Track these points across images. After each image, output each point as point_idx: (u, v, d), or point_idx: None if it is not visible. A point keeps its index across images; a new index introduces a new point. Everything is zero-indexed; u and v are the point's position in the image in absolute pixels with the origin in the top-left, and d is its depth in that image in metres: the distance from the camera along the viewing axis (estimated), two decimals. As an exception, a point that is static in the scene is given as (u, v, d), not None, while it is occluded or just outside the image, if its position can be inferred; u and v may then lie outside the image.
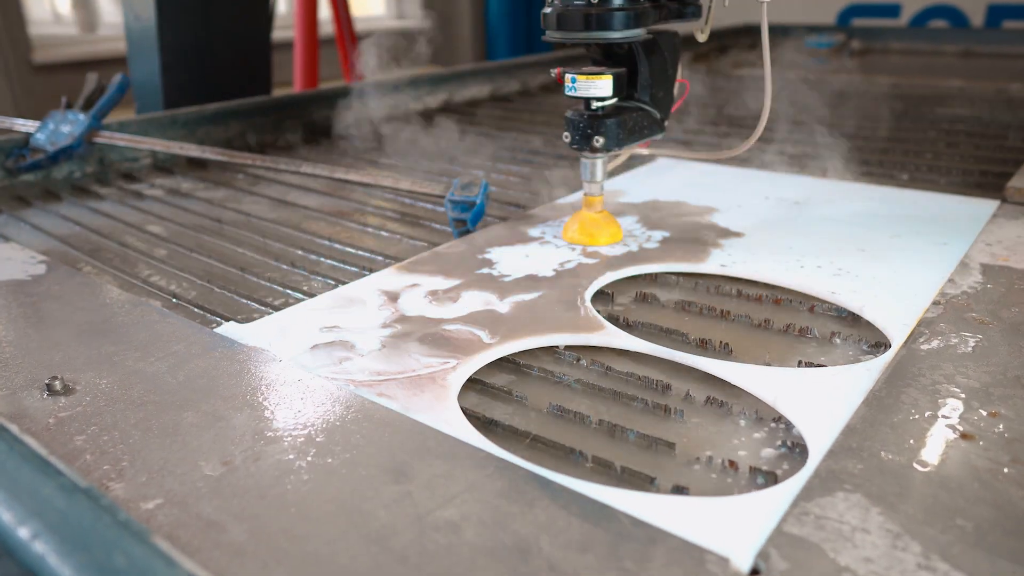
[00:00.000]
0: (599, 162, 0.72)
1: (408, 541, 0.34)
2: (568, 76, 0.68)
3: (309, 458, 0.40)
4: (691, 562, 0.33)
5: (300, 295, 0.67)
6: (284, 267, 0.75)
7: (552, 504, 0.37)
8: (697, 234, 0.76)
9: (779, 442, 0.45)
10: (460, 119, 1.47)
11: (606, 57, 0.72)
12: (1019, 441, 0.41)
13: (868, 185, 0.91)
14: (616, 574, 0.32)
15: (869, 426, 0.43)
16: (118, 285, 0.71)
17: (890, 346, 0.53)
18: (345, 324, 0.58)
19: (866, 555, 0.33)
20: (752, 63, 2.16)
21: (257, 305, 0.66)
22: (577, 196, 0.89)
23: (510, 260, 0.70)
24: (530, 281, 0.65)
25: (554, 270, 0.67)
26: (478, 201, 0.78)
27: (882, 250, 0.70)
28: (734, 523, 0.36)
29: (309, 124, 1.36)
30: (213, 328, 0.57)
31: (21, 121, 1.12)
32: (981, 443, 0.41)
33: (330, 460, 0.40)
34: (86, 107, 1.09)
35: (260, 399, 0.46)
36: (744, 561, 0.33)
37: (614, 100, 0.69)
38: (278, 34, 2.74)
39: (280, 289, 0.70)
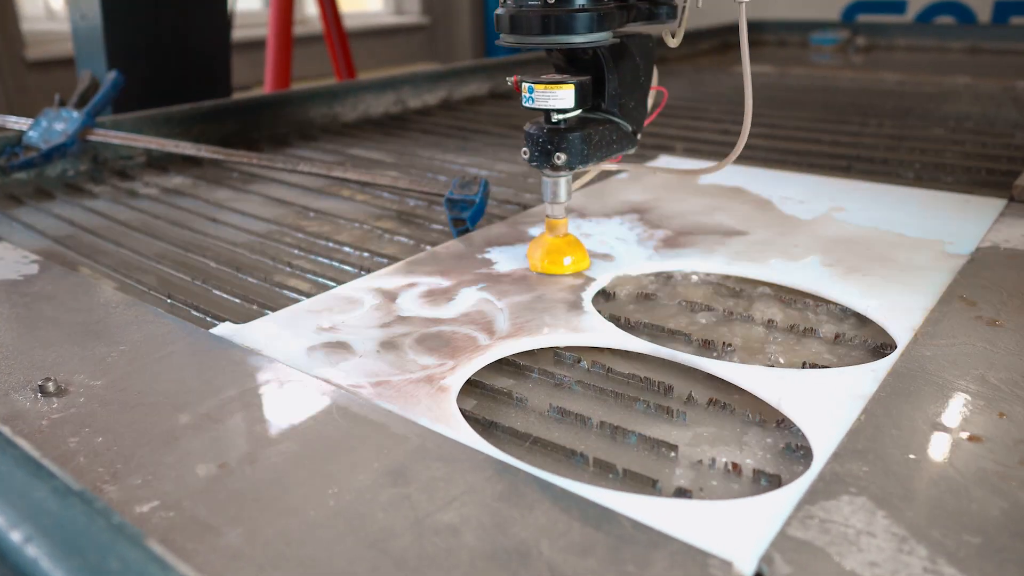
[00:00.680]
0: (562, 181, 0.65)
1: (407, 544, 0.34)
2: (525, 85, 0.61)
3: (306, 461, 0.40)
4: (694, 566, 0.33)
5: (296, 295, 0.67)
6: (280, 267, 0.75)
7: (553, 507, 0.37)
8: (700, 232, 0.75)
9: (783, 444, 0.45)
10: (459, 117, 1.47)
11: (570, 64, 0.66)
12: (1027, 443, 0.41)
13: (873, 183, 0.91)
14: (618, 578, 0.32)
15: (874, 428, 0.43)
16: (112, 285, 0.71)
17: (896, 347, 0.53)
18: (342, 325, 0.58)
19: (871, 559, 0.33)
20: (757, 60, 2.16)
21: (253, 305, 0.66)
22: (579, 195, 0.89)
23: (510, 260, 0.70)
24: (530, 281, 0.65)
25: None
26: (477, 200, 0.78)
27: (887, 249, 0.70)
28: (737, 527, 0.36)
29: (306, 122, 1.36)
30: (208, 329, 0.57)
31: (14, 119, 1.12)
32: (989, 445, 0.41)
33: (327, 463, 0.40)
34: (80, 104, 1.09)
35: (256, 401, 0.46)
36: (747, 565, 0.33)
37: (578, 112, 0.63)
38: (258, 32, 2.72)
39: (276, 289, 0.70)
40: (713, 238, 0.74)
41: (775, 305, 0.63)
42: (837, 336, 0.57)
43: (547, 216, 0.67)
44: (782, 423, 0.46)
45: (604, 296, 0.65)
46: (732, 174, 0.96)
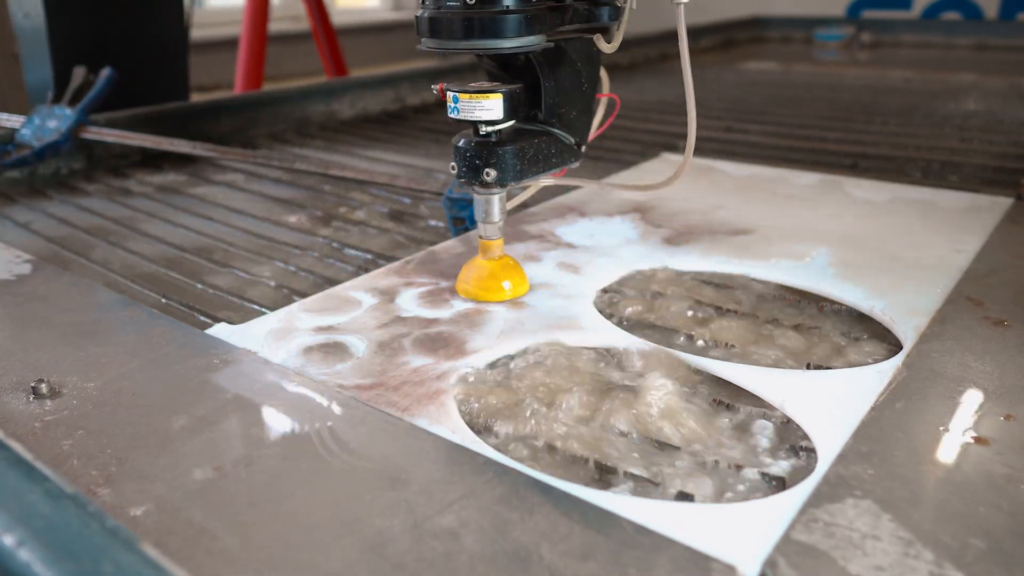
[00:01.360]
0: (495, 199, 0.60)
1: (405, 548, 0.34)
2: (450, 94, 0.56)
3: (303, 463, 0.40)
4: (696, 570, 0.33)
5: (293, 295, 0.67)
6: (276, 266, 0.75)
7: (553, 510, 0.37)
8: (703, 231, 0.75)
9: (787, 446, 0.45)
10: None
11: (503, 70, 0.61)
12: (1034, 445, 0.41)
13: (879, 182, 0.91)
14: (619, 583, 0.32)
15: (880, 430, 0.43)
16: (106, 285, 0.71)
17: (902, 347, 0.53)
18: (339, 325, 0.58)
19: (877, 563, 0.33)
20: (760, 56, 2.17)
21: (249, 305, 0.66)
22: (579, 194, 0.89)
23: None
24: (530, 281, 0.65)
25: (555, 270, 0.67)
26: (477, 198, 0.78)
27: (893, 249, 0.70)
28: (741, 530, 0.36)
29: (303, 119, 1.36)
30: (204, 330, 0.57)
31: (6, 116, 1.12)
32: (996, 447, 0.41)
33: (324, 465, 0.40)
34: (73, 102, 1.09)
35: (252, 402, 0.46)
36: (751, 569, 0.33)
37: (510, 123, 0.57)
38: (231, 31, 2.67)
39: (272, 289, 0.70)
40: (716, 237, 0.74)
41: (779, 305, 0.63)
42: (842, 336, 0.57)
43: (480, 237, 0.62)
44: (786, 425, 0.46)
45: (605, 296, 0.65)
46: (737, 172, 0.96)
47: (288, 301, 0.65)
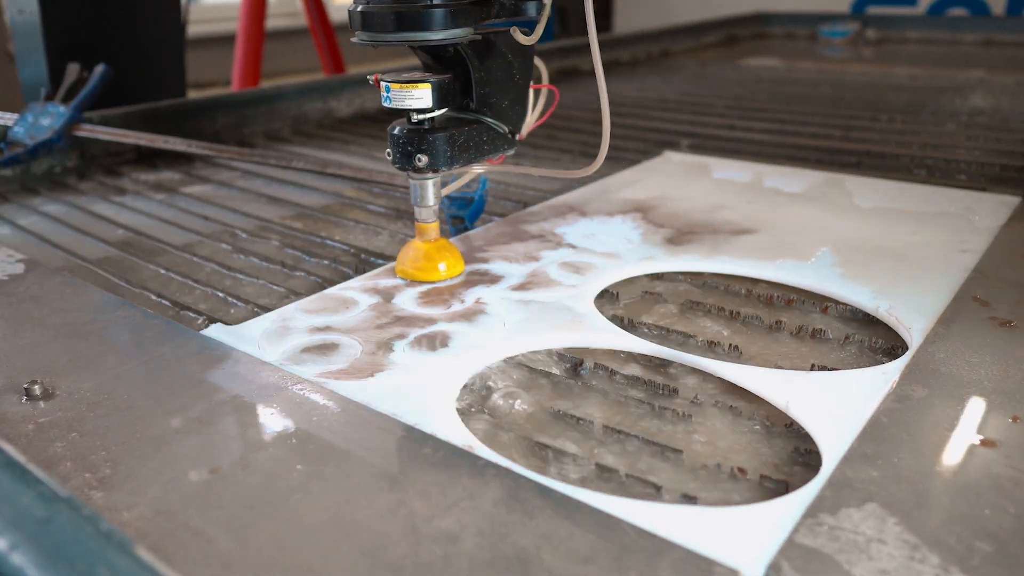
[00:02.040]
0: (429, 184, 0.64)
1: (403, 552, 0.34)
2: (383, 83, 0.60)
3: (300, 465, 0.40)
4: (699, 574, 0.33)
5: (290, 295, 0.67)
6: (273, 266, 0.75)
7: (554, 514, 0.37)
8: (705, 231, 0.76)
9: (791, 449, 0.45)
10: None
11: (436, 61, 0.65)
12: (1042, 448, 0.41)
13: (884, 180, 0.91)
14: (621, 587, 0.32)
15: (885, 432, 0.43)
16: (100, 285, 0.71)
17: (907, 348, 0.53)
18: (336, 325, 0.58)
19: (882, 567, 0.33)
20: (764, 53, 2.17)
21: (245, 305, 0.66)
22: (581, 193, 0.89)
23: (509, 259, 0.70)
24: (530, 280, 0.65)
25: (555, 269, 0.67)
26: (477, 197, 0.78)
27: (898, 248, 0.70)
28: (744, 534, 0.36)
29: (300, 117, 1.36)
30: (199, 330, 0.57)
31: (-1, 114, 1.12)
32: (1003, 450, 0.41)
33: (321, 467, 0.40)
34: (67, 99, 1.09)
35: (248, 403, 0.46)
36: (754, 573, 0.33)
37: (442, 112, 0.61)
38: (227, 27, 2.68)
39: (269, 289, 0.70)
40: (718, 237, 0.74)
41: (783, 305, 0.63)
42: (847, 337, 0.57)
43: (416, 220, 0.66)
44: (790, 427, 0.46)
45: (606, 296, 0.65)
46: (740, 171, 0.96)
47: (284, 301, 0.65)
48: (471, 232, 0.78)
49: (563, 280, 0.65)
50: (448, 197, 0.79)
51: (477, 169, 0.69)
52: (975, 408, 0.45)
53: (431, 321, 0.58)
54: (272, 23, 2.32)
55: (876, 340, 0.56)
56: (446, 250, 0.66)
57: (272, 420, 0.45)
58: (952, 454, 0.41)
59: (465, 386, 0.51)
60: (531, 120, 0.69)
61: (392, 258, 0.72)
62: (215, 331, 0.57)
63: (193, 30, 2.34)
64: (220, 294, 0.69)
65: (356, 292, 0.64)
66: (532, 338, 0.56)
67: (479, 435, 0.45)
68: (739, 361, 0.54)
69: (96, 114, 1.12)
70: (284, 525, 0.36)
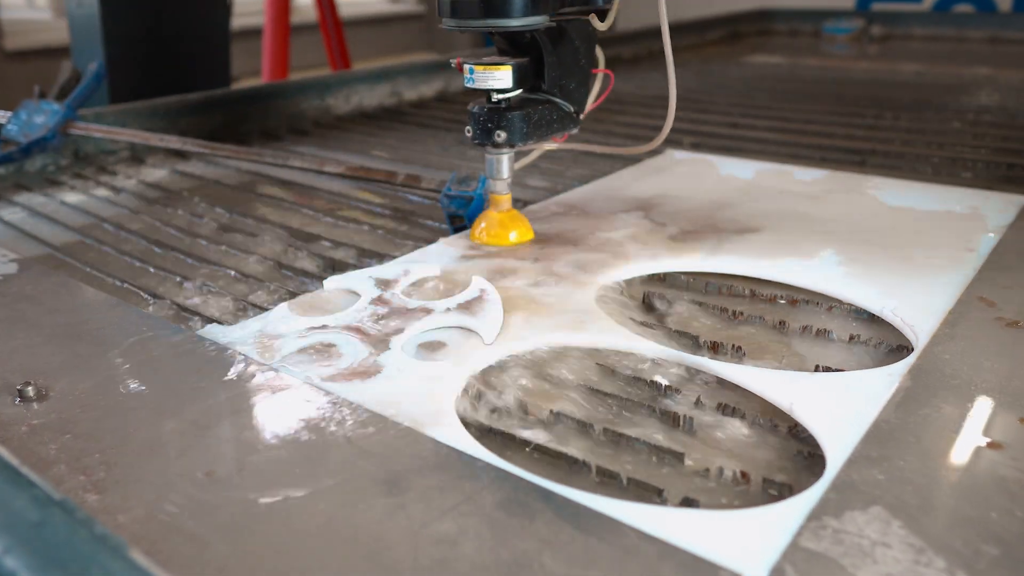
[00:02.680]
0: (504, 158, 0.71)
1: (402, 556, 0.34)
2: (466, 66, 0.67)
3: (296, 468, 0.40)
4: (702, 578, 0.33)
5: (286, 295, 0.67)
6: (269, 264, 0.75)
7: (554, 517, 0.37)
8: (708, 230, 0.75)
9: (795, 451, 0.45)
10: (457, 109, 1.47)
11: (511, 46, 0.71)
12: (1049, 450, 0.41)
13: (889, 179, 0.91)
14: (622, 591, 0.32)
15: (890, 434, 0.43)
16: (95, 285, 0.71)
17: (912, 349, 0.53)
18: (333, 325, 0.58)
19: (887, 571, 0.33)
20: (768, 50, 2.17)
21: (241, 305, 0.66)
22: (583, 192, 0.89)
23: (508, 258, 0.70)
24: (532, 281, 0.65)
25: (555, 269, 0.67)
26: (476, 196, 0.78)
27: (904, 247, 0.70)
28: (747, 537, 0.36)
29: (297, 114, 1.36)
30: (195, 330, 0.57)
31: (-8, 111, 1.12)
32: (1010, 452, 0.41)
33: (318, 470, 0.40)
34: (60, 96, 1.09)
35: (244, 405, 0.46)
36: (758, 577, 0.33)
37: (518, 92, 0.68)
38: (251, 21, 2.73)
39: (266, 288, 0.70)
40: (722, 235, 0.74)
41: (787, 305, 0.63)
42: (852, 338, 0.57)
43: (490, 192, 0.73)
44: (794, 428, 0.46)
45: (608, 295, 0.65)
46: (743, 169, 0.96)
47: (281, 300, 0.65)
48: (470, 232, 0.77)
49: (565, 278, 0.65)
50: (447, 195, 0.79)
51: (548, 146, 0.76)
52: (981, 410, 0.45)
53: (430, 323, 0.58)
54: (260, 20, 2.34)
55: (881, 341, 0.56)
56: (517, 219, 0.74)
57: (268, 422, 0.45)
58: (958, 456, 0.41)
59: (465, 387, 0.51)
60: (590, 102, 0.76)
61: (389, 256, 0.72)
62: (210, 331, 0.57)
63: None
64: (216, 293, 0.69)
65: (354, 291, 0.64)
66: (533, 338, 0.56)
67: (479, 438, 0.45)
68: (742, 362, 0.54)
69: (90, 112, 1.12)
70: (280, 529, 0.36)
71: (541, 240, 0.74)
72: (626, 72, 1.76)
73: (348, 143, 1.22)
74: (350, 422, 0.45)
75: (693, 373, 0.53)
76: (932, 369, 0.49)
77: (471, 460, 0.41)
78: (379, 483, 0.39)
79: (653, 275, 0.69)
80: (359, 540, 0.35)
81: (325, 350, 0.54)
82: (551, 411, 0.49)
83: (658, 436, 0.47)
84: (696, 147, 1.11)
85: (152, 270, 0.75)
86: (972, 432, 0.43)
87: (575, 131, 0.75)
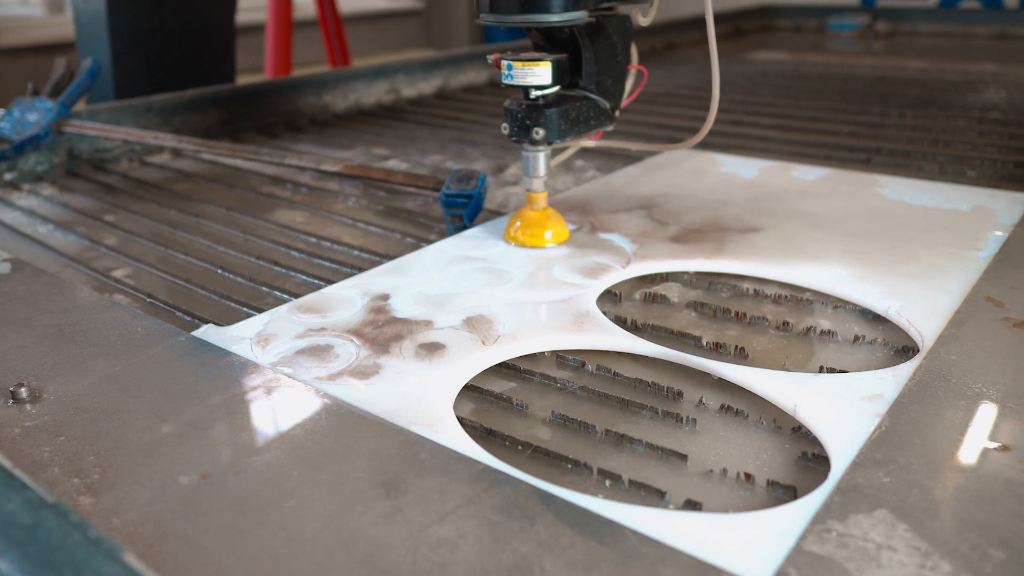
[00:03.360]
0: (541, 155, 0.71)
1: (400, 560, 0.34)
2: (504, 63, 0.67)
3: (294, 471, 0.40)
4: (704, 582, 0.33)
5: (283, 295, 0.67)
6: (266, 265, 0.75)
7: (555, 521, 0.37)
8: (710, 229, 0.75)
9: (799, 453, 0.45)
10: (456, 107, 1.47)
11: (548, 42, 0.72)
12: (1057, 452, 0.41)
13: (894, 177, 0.91)
14: (624, 595, 0.32)
15: (896, 436, 0.43)
16: (88, 285, 0.71)
17: (919, 350, 0.53)
18: (331, 326, 0.58)
19: (893, 575, 0.33)
20: (771, 46, 2.17)
21: (237, 306, 0.66)
22: (584, 192, 0.89)
23: (508, 258, 0.70)
24: (530, 280, 0.65)
25: (557, 269, 0.67)
26: (475, 195, 0.78)
27: (909, 246, 0.70)
28: (750, 541, 0.36)
29: (294, 112, 1.36)
30: (191, 331, 0.57)
31: (-16, 109, 1.12)
32: (1017, 454, 0.41)
33: (316, 473, 0.40)
34: (54, 94, 1.09)
35: (241, 407, 0.46)
36: (761, 581, 0.33)
37: (555, 89, 0.68)
38: (252, 16, 2.75)
39: (262, 289, 0.70)
40: (725, 235, 0.74)
41: (791, 306, 0.63)
42: (856, 339, 0.57)
43: (527, 190, 0.73)
44: (798, 430, 0.46)
45: (609, 296, 0.65)
46: (746, 167, 0.96)
47: (278, 301, 0.65)
48: (469, 231, 0.77)
49: (565, 280, 0.65)
50: (446, 195, 0.79)
51: (587, 143, 0.76)
52: (988, 411, 0.45)
53: (429, 323, 0.58)
54: (262, 16, 2.34)
55: (886, 341, 0.56)
56: (554, 219, 0.73)
57: (265, 424, 0.45)
58: (965, 459, 0.41)
59: (464, 389, 0.51)
60: (624, 98, 0.77)
61: (387, 257, 0.72)
62: (206, 332, 0.57)
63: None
64: (211, 294, 0.69)
65: (351, 292, 0.64)
66: (533, 340, 0.56)
67: (478, 440, 0.45)
68: (746, 363, 0.54)
69: (84, 109, 1.12)
70: (277, 533, 0.36)
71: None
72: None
73: (346, 141, 1.22)
74: (348, 424, 0.45)
75: (696, 374, 0.53)
76: (938, 370, 0.49)
77: (470, 462, 0.41)
78: (377, 486, 0.39)
79: (655, 274, 0.69)
80: (356, 544, 0.35)
81: (323, 352, 0.54)
82: (552, 412, 0.49)
83: (660, 438, 0.47)
84: (699, 146, 1.10)
85: (147, 269, 0.75)
86: (979, 434, 0.43)
87: (611, 128, 0.75)
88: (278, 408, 0.46)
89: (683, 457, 0.44)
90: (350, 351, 0.54)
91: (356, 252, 0.77)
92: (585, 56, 0.71)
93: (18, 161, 1.06)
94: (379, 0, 4.35)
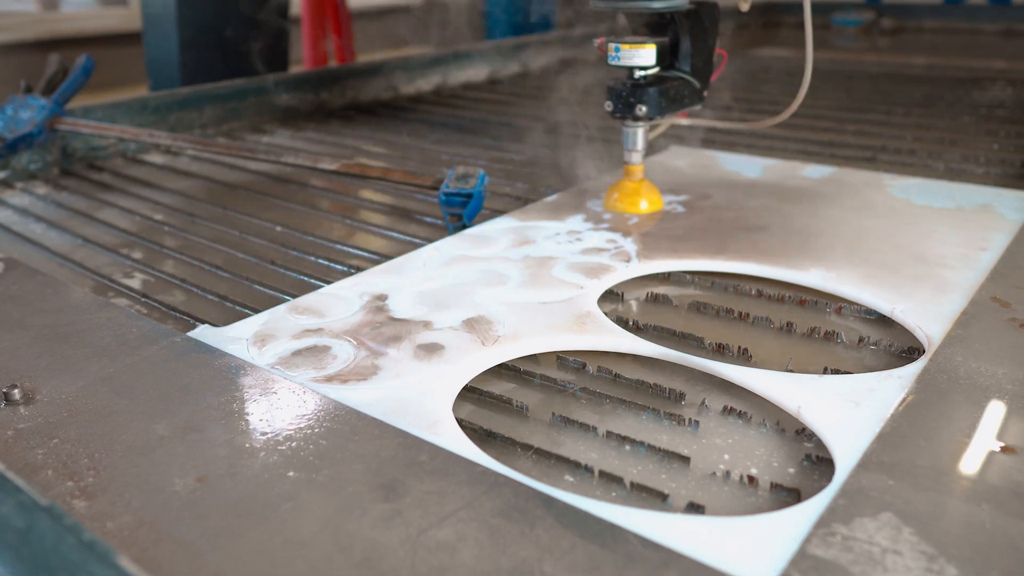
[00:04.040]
0: (640, 131, 0.78)
1: (398, 564, 0.34)
2: (612, 45, 0.75)
3: (291, 474, 0.40)
4: (707, 587, 0.33)
5: (281, 295, 0.67)
6: (263, 264, 0.75)
7: (555, 524, 0.37)
8: (714, 229, 0.76)
9: (803, 455, 0.45)
10: (455, 104, 1.47)
11: (645, 26, 0.79)
12: (1064, 455, 0.41)
13: (900, 176, 0.91)
14: (625, 600, 0.32)
15: (901, 438, 0.43)
16: (83, 285, 0.71)
17: (924, 351, 0.53)
18: (329, 327, 0.58)
19: (898, 579, 0.33)
20: (774, 43, 2.17)
21: (234, 306, 0.66)
22: (584, 188, 0.89)
23: (508, 258, 0.70)
24: (531, 280, 0.65)
25: (556, 269, 0.67)
26: (475, 194, 0.78)
27: (915, 246, 0.70)
28: (754, 544, 0.36)
29: (291, 108, 1.36)
30: (186, 332, 0.57)
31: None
32: (1023, 457, 0.41)
33: (314, 476, 0.40)
34: (48, 91, 1.09)
35: (238, 409, 0.46)
36: (765, 585, 0.33)
37: (656, 69, 0.76)
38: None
39: (259, 289, 0.70)
40: (727, 235, 0.74)
41: (795, 306, 0.63)
42: (861, 340, 0.57)
43: (625, 163, 0.81)
44: (802, 433, 0.46)
45: (611, 297, 0.65)
46: (751, 165, 0.96)
47: (275, 301, 0.65)
48: (468, 230, 0.78)
49: (566, 280, 0.65)
50: (445, 193, 0.79)
51: (676, 120, 0.86)
52: (995, 413, 0.45)
53: (428, 324, 0.58)
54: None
55: (892, 342, 0.56)
56: (650, 189, 0.81)
57: (261, 426, 0.45)
58: (971, 461, 0.41)
59: (463, 390, 0.51)
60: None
61: (386, 256, 0.72)
62: (202, 333, 0.57)
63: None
64: (207, 294, 0.69)
65: (349, 292, 0.64)
66: (533, 340, 0.56)
67: (478, 442, 0.45)
68: (749, 364, 0.54)
69: (79, 107, 1.12)
70: (274, 536, 0.36)
71: (543, 238, 0.74)
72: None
73: (343, 138, 1.23)
74: (346, 427, 0.45)
75: (698, 376, 0.53)
76: (944, 372, 0.49)
77: (470, 465, 0.41)
78: (375, 488, 0.39)
79: (657, 274, 0.69)
80: (355, 547, 0.35)
81: (320, 353, 0.54)
82: (552, 414, 0.49)
83: (663, 439, 0.47)
84: (705, 144, 1.11)
85: (142, 269, 0.75)
86: (985, 436, 0.43)
87: (699, 108, 0.82)
88: (275, 410, 0.46)
89: (685, 459, 0.44)
90: (348, 352, 0.54)
91: (355, 251, 0.77)
92: (682, 39, 0.79)
93: (11, 159, 1.06)
94: (378, -2, 4.35)
